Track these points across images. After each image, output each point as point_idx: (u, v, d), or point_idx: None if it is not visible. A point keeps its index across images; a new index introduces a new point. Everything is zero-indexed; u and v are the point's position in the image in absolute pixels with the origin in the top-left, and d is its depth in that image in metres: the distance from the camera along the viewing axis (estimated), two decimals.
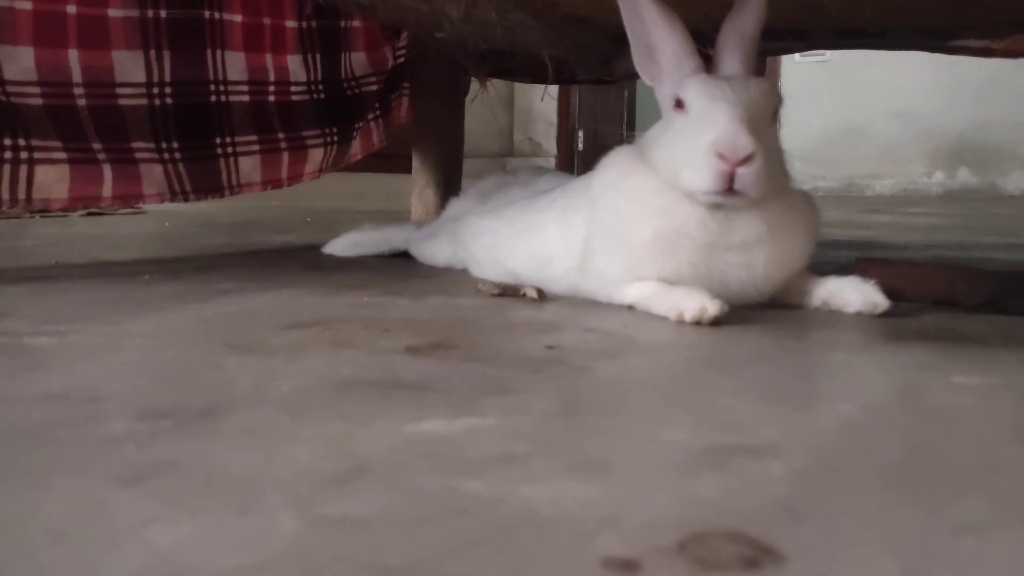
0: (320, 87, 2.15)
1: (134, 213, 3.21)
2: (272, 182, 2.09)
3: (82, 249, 2.06)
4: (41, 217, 2.90)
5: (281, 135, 2.07)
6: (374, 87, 2.30)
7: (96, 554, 0.48)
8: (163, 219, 3.02)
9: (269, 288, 1.46)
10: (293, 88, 2.10)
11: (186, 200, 1.91)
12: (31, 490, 0.58)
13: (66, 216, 2.95)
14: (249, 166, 2.01)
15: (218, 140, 1.95)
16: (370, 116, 2.33)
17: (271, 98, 2.06)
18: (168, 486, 0.58)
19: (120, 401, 0.79)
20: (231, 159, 1.97)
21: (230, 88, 1.96)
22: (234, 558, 0.48)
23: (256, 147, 2.02)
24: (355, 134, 2.27)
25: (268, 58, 2.03)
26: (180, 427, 0.71)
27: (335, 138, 2.21)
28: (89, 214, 3.02)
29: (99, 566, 0.47)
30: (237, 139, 1.98)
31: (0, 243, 2.20)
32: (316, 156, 2.17)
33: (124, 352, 1.00)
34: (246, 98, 1.99)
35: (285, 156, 2.09)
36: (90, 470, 0.61)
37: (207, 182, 1.93)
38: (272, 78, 2.05)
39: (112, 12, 1.73)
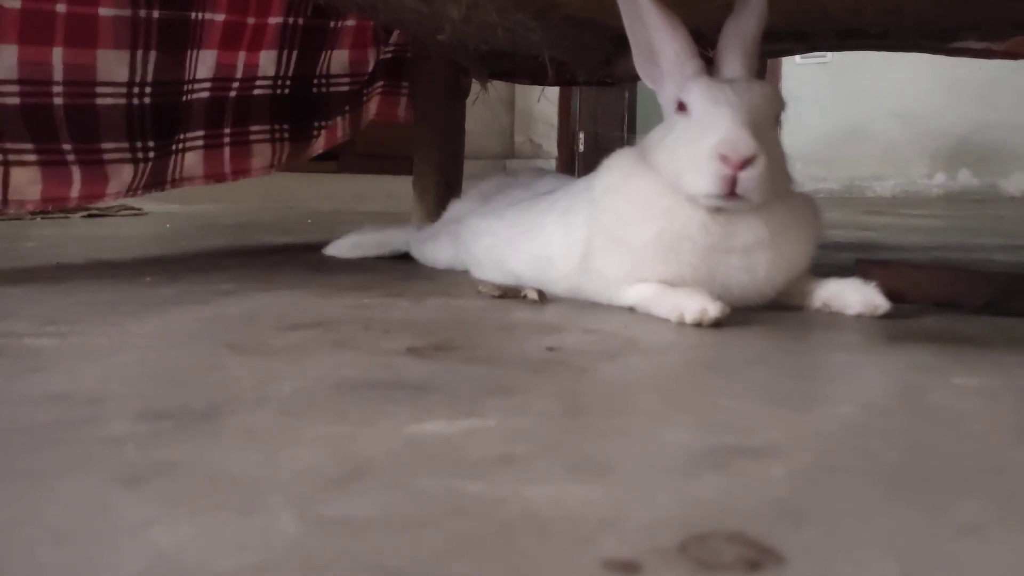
0: (287, 82, 2.15)
1: (135, 214, 3.21)
2: (214, 176, 2.09)
3: (83, 250, 2.06)
4: (42, 218, 2.90)
5: (227, 130, 2.08)
6: (345, 88, 2.29)
7: (97, 555, 0.48)
8: (164, 221, 3.03)
9: (270, 289, 1.46)
10: (257, 83, 2.10)
11: (135, 195, 1.91)
12: (32, 491, 0.58)
13: (67, 217, 2.95)
14: (192, 160, 2.02)
15: (177, 136, 1.95)
16: (339, 114, 2.33)
17: (232, 94, 2.06)
18: (169, 487, 0.58)
19: (121, 402, 0.79)
20: (180, 155, 1.98)
21: (196, 86, 1.96)
22: (235, 559, 0.48)
23: (201, 142, 2.03)
24: (316, 132, 2.27)
25: (241, 55, 2.03)
26: (181, 428, 0.71)
27: (285, 135, 2.20)
28: (90, 215, 3.03)
29: (100, 567, 0.47)
30: (189, 135, 1.99)
31: (1, 244, 2.20)
32: (264, 151, 2.17)
33: (125, 353, 1.00)
34: (206, 95, 2.00)
35: (227, 151, 2.09)
36: (91, 471, 0.61)
37: (155, 177, 1.94)
38: (239, 75, 2.04)
39: (103, 11, 1.73)
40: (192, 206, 3.52)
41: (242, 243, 2.31)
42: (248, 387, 0.84)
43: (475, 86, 2.36)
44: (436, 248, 1.79)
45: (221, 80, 2.01)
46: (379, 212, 3.42)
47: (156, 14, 1.80)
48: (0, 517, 0.53)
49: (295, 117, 2.21)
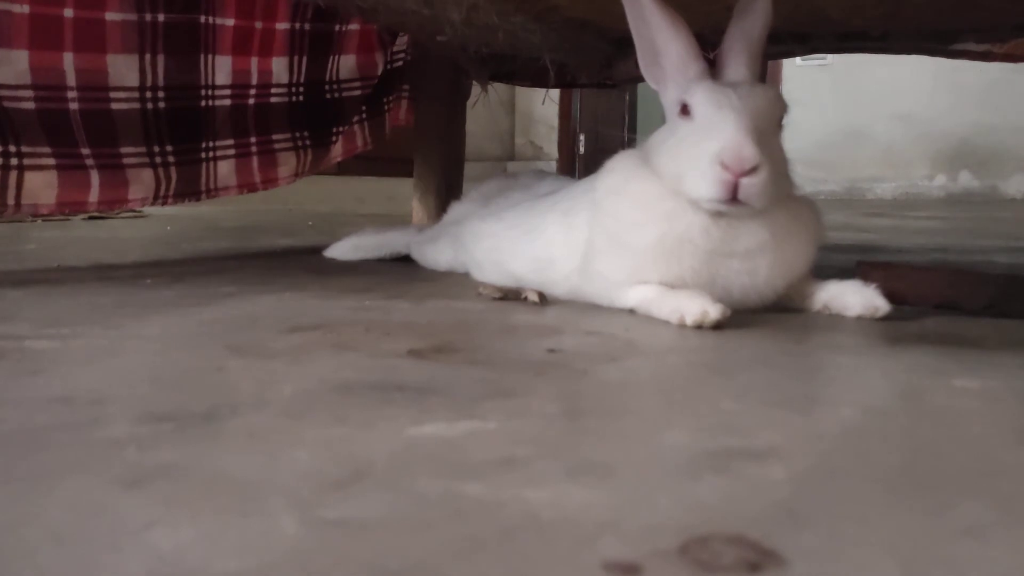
0: (300, 90, 2.15)
1: (136, 217, 3.21)
2: (247, 186, 2.09)
3: (84, 252, 2.06)
4: (43, 220, 2.90)
5: (253, 139, 2.08)
6: (357, 92, 2.29)
7: (98, 557, 0.48)
8: (165, 223, 3.03)
9: (271, 291, 1.46)
10: (273, 90, 2.10)
11: (164, 203, 1.91)
12: (33, 493, 0.58)
13: (67, 219, 2.96)
14: (226, 170, 2.02)
15: (203, 144, 1.95)
16: (354, 119, 2.33)
17: (251, 101, 2.06)
18: (170, 489, 0.58)
19: (122, 404, 0.79)
20: (212, 163, 1.98)
21: (216, 92, 1.96)
22: (236, 561, 0.48)
23: (232, 151, 2.03)
24: (334, 138, 2.27)
25: (254, 61, 2.03)
26: (182, 430, 0.71)
27: (307, 142, 2.20)
28: (91, 217, 3.03)
29: (101, 569, 0.47)
30: (218, 143, 1.99)
31: (2, 246, 2.20)
32: (289, 160, 2.17)
33: (126, 355, 1.00)
34: (228, 102, 2.00)
35: (255, 160, 2.09)
36: (92, 473, 0.61)
37: (188, 186, 1.94)
38: (255, 81, 2.05)
39: (109, 16, 1.73)
40: (193, 208, 3.52)
41: (243, 245, 2.32)
42: (249, 389, 0.84)
43: (476, 88, 2.37)
44: (437, 250, 1.79)
45: (240, 87, 2.02)
46: (380, 214, 3.42)
47: (162, 17, 1.80)
48: (1, 519, 0.53)
49: (313, 124, 2.21)
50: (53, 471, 0.62)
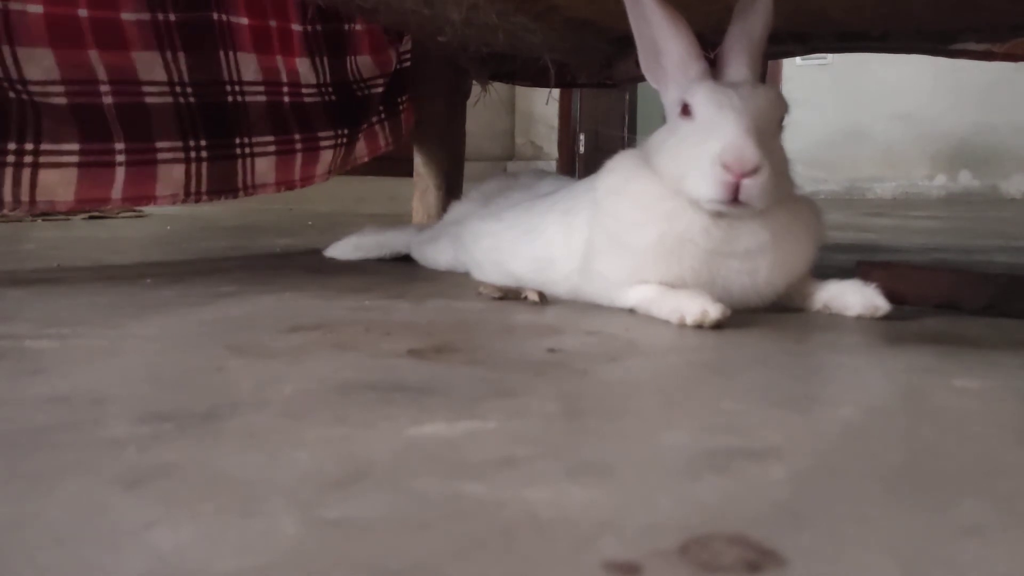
0: (330, 89, 2.16)
1: (136, 216, 3.21)
2: (285, 183, 2.08)
3: (84, 252, 2.06)
4: (43, 220, 2.90)
5: (297, 136, 2.07)
6: (381, 89, 2.30)
7: (98, 557, 0.48)
8: (165, 222, 3.03)
9: (271, 291, 1.46)
10: (304, 90, 2.11)
11: (197, 201, 1.89)
12: (33, 493, 0.58)
13: (68, 219, 2.96)
14: (264, 167, 2.01)
15: (237, 140, 1.94)
16: (374, 119, 2.34)
17: (286, 99, 2.06)
18: (170, 489, 0.58)
19: (122, 404, 0.79)
20: (248, 160, 1.97)
21: (246, 88, 1.96)
22: (236, 561, 0.48)
23: (272, 148, 2.02)
24: (359, 136, 2.28)
25: (279, 60, 2.04)
26: (182, 430, 0.71)
27: (345, 139, 2.21)
28: (91, 217, 3.03)
29: (101, 569, 0.47)
30: (255, 139, 1.98)
31: (2, 246, 2.20)
32: (327, 157, 2.18)
33: (126, 355, 1.00)
34: (263, 98, 2.00)
35: (299, 157, 2.09)
36: (92, 473, 0.61)
37: (223, 183, 1.92)
38: (285, 79, 2.05)
39: (125, 16, 1.74)
40: (192, 208, 3.52)
41: (243, 245, 2.32)
42: (249, 389, 0.84)
43: (476, 88, 2.37)
44: (437, 250, 1.79)
45: (272, 84, 2.01)
46: (380, 214, 3.42)
47: (173, 17, 1.80)
48: (1, 519, 0.53)
49: (352, 121, 2.21)
50: (53, 471, 0.62)
